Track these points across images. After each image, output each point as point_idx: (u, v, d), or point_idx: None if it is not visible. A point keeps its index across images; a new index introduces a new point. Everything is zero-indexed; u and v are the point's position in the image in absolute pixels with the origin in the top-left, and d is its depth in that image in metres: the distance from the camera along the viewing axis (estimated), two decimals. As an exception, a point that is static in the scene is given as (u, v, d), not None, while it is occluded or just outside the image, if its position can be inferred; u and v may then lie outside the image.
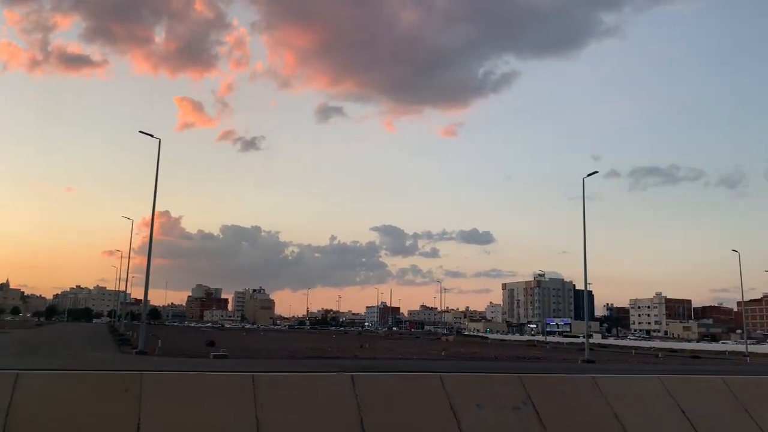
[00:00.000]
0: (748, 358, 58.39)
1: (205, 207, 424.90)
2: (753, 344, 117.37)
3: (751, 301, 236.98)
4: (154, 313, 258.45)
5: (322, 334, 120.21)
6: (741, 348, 76.05)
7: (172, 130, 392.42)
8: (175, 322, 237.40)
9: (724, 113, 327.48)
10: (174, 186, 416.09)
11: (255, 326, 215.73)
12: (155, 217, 38.72)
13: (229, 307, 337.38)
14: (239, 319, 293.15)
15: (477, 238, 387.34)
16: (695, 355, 66.39)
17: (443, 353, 40.13)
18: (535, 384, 12.59)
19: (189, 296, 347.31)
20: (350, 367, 15.74)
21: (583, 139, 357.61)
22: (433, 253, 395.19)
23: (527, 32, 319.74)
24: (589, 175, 46.44)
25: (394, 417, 10.69)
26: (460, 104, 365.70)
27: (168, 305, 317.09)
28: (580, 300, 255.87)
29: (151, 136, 38.02)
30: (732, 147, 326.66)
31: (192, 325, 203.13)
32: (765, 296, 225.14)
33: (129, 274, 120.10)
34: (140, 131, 38.26)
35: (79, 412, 8.82)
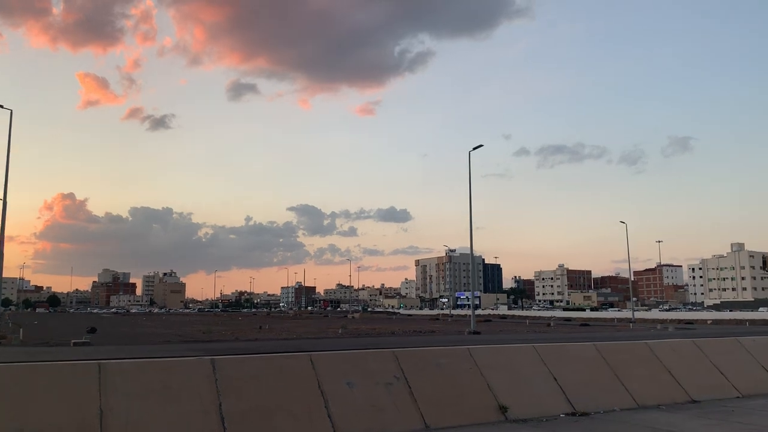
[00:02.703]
0: (631, 324, 62.00)
1: (113, 189, 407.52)
2: (645, 310, 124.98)
3: (646, 270, 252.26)
4: (53, 299, 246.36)
5: (231, 316, 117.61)
6: (630, 315, 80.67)
7: (75, 107, 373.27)
8: (77, 309, 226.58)
9: (626, 93, 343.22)
10: (78, 167, 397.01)
11: (163, 310, 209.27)
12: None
13: (138, 291, 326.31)
14: (148, 303, 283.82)
15: (394, 216, 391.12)
16: (585, 323, 69.46)
17: (340, 331, 40.15)
18: (409, 358, 12.46)
19: (94, 281, 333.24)
20: (225, 350, 15.10)
21: (495, 118, 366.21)
22: (351, 232, 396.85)
23: (441, 12, 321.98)
24: (474, 148, 47.54)
25: (257, 401, 10.25)
26: (376, 83, 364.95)
27: (73, 291, 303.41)
28: (489, 273, 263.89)
29: (1, 106, 34.99)
30: (632, 126, 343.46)
31: (95, 311, 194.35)
32: (658, 266, 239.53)
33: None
34: None
35: None
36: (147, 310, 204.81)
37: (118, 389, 9.50)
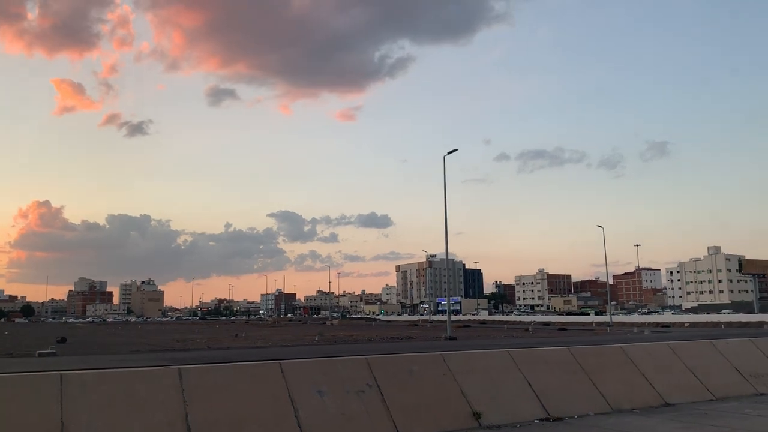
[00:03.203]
0: (609, 328, 62.49)
1: (90, 196, 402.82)
2: (624, 314, 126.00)
3: (625, 273, 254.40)
4: (27, 309, 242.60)
5: (209, 324, 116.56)
6: (609, 319, 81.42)
7: (51, 114, 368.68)
8: (52, 319, 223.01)
9: (605, 98, 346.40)
10: (54, 174, 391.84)
11: (141, 319, 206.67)
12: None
13: (115, 300, 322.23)
14: (125, 312, 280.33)
15: (375, 221, 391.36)
16: (563, 327, 69.53)
17: (317, 338, 39.93)
18: (381, 365, 12.31)
19: (70, 290, 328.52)
20: (195, 359, 14.84)
21: (475, 123, 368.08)
22: (332, 238, 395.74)
23: (421, 18, 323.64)
24: (449, 153, 47.62)
25: (225, 410, 10.04)
26: (357, 88, 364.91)
27: (48, 301, 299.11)
28: (470, 279, 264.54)
29: None
30: (611, 131, 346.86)
31: (70, 321, 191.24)
32: (637, 269, 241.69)
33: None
34: None
35: None
36: (124, 319, 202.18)
37: (79, 401, 9.25)
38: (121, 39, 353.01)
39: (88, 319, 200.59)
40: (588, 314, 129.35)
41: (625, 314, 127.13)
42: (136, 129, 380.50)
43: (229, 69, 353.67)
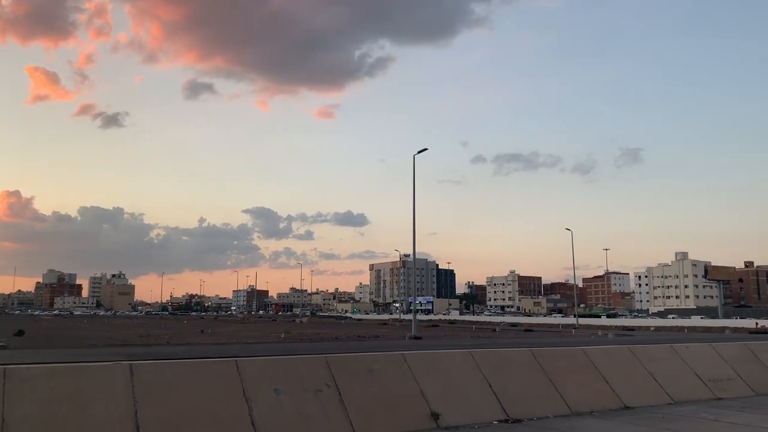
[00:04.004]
0: (574, 330, 63.18)
1: (62, 187, 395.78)
2: (594, 317, 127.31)
3: (595, 277, 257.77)
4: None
5: (177, 319, 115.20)
6: (576, 321, 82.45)
7: (23, 102, 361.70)
8: (18, 311, 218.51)
9: (580, 104, 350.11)
10: (25, 164, 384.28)
11: (110, 313, 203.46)
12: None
13: (84, 293, 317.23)
14: (94, 305, 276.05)
15: (352, 220, 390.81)
16: (530, 328, 69.58)
17: (282, 335, 39.65)
18: (341, 364, 12.16)
19: (38, 282, 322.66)
20: (151, 355, 14.55)
21: (453, 125, 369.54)
22: (308, 236, 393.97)
23: (401, 18, 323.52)
24: (419, 152, 47.67)
25: (176, 408, 9.82)
26: (336, 86, 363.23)
27: (15, 292, 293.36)
28: (442, 279, 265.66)
29: None
30: (586, 136, 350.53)
31: (35, 313, 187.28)
32: (606, 273, 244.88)
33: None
34: None
35: None
36: (92, 313, 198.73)
37: (24, 396, 8.97)
38: (98, 29, 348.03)
39: (55, 312, 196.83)
40: (600, 317, 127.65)
41: (596, 317, 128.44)
42: (111, 120, 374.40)
43: (207, 63, 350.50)
